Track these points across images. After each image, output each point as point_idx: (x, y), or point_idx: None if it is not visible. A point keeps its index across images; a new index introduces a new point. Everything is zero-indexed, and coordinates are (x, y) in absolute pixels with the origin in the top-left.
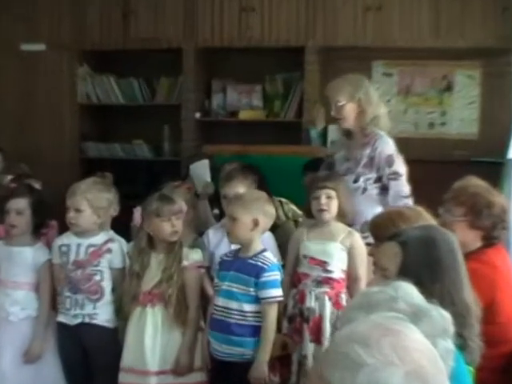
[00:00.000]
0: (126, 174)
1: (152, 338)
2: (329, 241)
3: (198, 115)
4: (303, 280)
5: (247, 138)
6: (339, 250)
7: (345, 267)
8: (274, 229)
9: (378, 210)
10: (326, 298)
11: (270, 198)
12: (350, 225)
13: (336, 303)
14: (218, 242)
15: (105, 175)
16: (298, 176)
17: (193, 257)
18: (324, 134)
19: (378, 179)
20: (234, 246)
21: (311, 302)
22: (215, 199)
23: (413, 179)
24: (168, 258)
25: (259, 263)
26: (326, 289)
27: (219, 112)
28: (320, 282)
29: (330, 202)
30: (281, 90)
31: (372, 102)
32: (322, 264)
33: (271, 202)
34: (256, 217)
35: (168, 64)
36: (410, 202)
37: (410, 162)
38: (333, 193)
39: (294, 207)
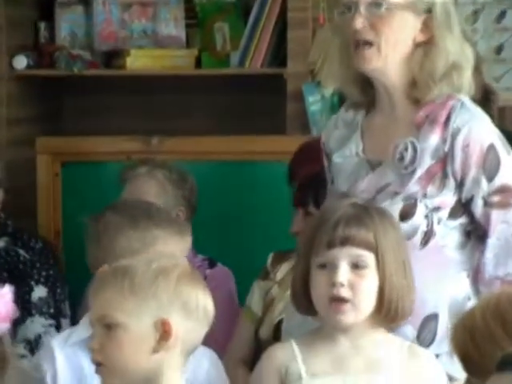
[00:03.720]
0: None
1: None
2: (364, 373)
3: (20, 63)
4: None
5: (152, 118)
6: None
7: None
8: None
9: (461, 285)
10: None
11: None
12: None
13: None
14: None
15: None
16: (280, 207)
17: None
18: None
19: (462, 208)
20: None
21: None
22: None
23: None
24: None
25: None
26: None
27: (76, 53)
28: None
29: (359, 279)
30: None
31: (452, 26)
32: None
33: (199, 278)
34: (163, 316)
35: None
36: None
37: None
38: (368, 256)
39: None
